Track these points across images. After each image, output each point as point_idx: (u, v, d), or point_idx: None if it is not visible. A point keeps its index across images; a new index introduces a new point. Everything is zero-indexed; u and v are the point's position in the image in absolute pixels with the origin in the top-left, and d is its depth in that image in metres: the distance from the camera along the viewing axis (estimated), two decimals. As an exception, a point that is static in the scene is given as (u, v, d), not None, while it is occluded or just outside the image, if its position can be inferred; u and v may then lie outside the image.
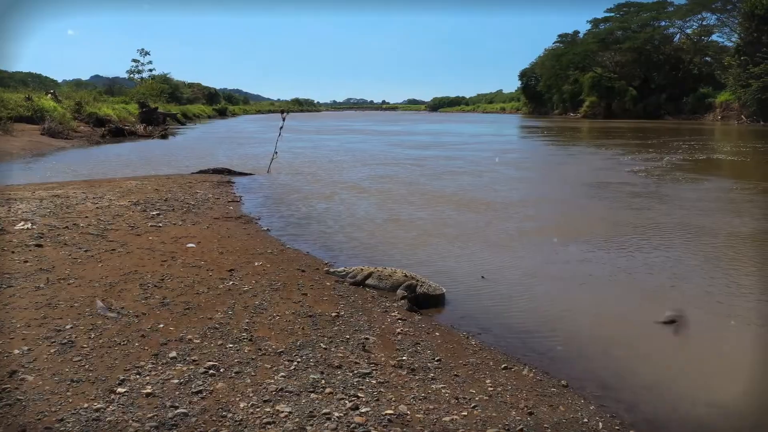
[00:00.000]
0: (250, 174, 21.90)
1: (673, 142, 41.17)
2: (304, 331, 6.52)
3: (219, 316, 6.80)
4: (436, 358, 6.05)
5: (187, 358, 5.62)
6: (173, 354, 5.69)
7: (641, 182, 20.99)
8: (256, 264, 9.32)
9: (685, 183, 21.08)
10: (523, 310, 7.99)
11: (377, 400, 5.02)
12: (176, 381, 5.15)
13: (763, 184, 20.89)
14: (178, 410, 4.68)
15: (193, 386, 5.07)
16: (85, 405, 4.69)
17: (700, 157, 31.00)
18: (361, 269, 9.06)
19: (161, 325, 6.42)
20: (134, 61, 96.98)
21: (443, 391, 5.29)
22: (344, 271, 9.15)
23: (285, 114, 24.56)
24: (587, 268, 10.00)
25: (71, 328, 6.22)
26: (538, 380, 5.78)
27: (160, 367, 5.41)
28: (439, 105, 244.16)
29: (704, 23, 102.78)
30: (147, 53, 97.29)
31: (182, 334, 6.22)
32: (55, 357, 5.52)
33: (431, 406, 4.97)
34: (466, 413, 4.90)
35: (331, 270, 9.29)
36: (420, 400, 5.08)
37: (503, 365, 6.05)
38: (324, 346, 6.13)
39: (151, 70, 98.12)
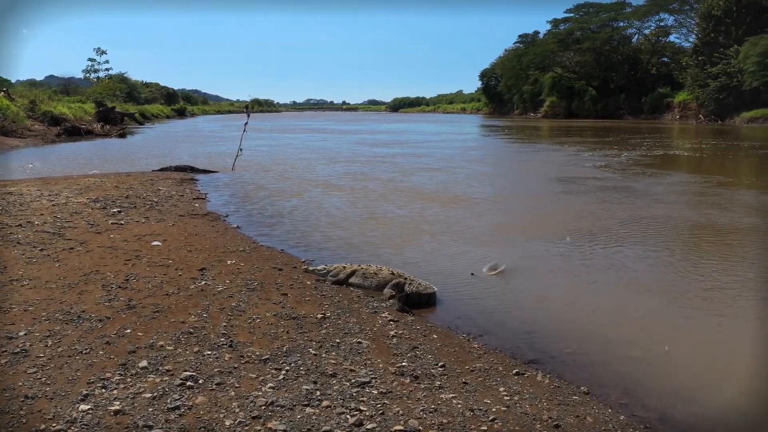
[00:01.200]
0: (214, 171, 21.06)
1: (634, 140, 41.18)
2: (289, 335, 5.86)
3: (193, 320, 6.10)
4: (439, 364, 5.42)
5: (160, 368, 4.91)
6: (143, 363, 4.97)
7: (611, 177, 20.75)
8: (229, 262, 8.61)
9: (652, 177, 20.99)
10: (521, 309, 7.42)
11: (382, 413, 4.38)
12: (149, 395, 4.45)
13: (719, 177, 21.16)
14: (153, 431, 3.99)
15: (168, 401, 4.38)
16: (42, 426, 3.98)
17: (662, 154, 31.17)
18: (344, 267, 8.40)
19: (128, 331, 5.69)
20: (90, 60, 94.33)
21: (454, 401, 4.66)
22: (325, 269, 8.49)
23: (249, 110, 23.71)
24: (579, 263, 9.49)
25: (25, 335, 5.48)
26: (556, 387, 5.18)
27: (129, 379, 4.70)
28: (400, 105, 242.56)
29: (662, 24, 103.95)
30: (104, 52, 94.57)
31: (152, 340, 5.50)
32: (6, 369, 4.78)
33: (445, 420, 4.34)
34: (485, 428, 4.28)
35: (310, 268, 8.62)
36: (430, 412, 4.44)
37: (515, 370, 5.44)
38: (314, 352, 5.47)
39: (107, 70, 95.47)
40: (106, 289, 6.90)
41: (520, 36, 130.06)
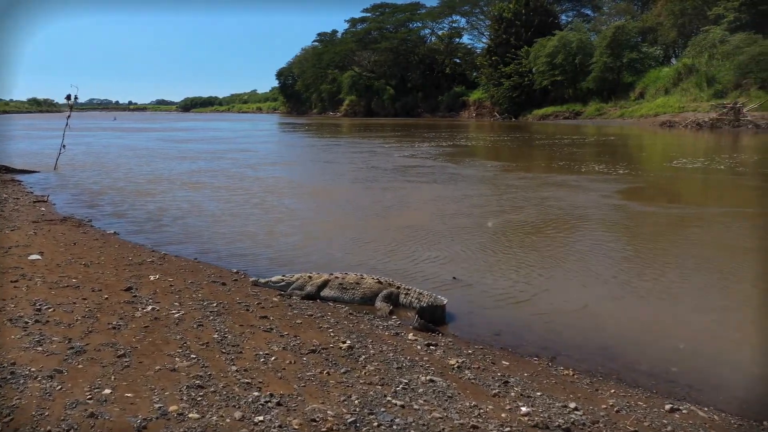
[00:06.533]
0: (35, 171, 17.96)
1: (437, 135, 41.69)
2: (337, 380, 4.18)
3: (184, 365, 4.21)
4: (570, 406, 3.99)
5: (215, 455, 3.09)
6: (183, 449, 3.12)
7: (438, 165, 21.19)
8: (152, 278, 6.62)
9: (477, 166, 21.56)
10: (549, 316, 6.15)
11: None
12: None
13: (513, 163, 22.76)
14: None
15: None
16: None
17: (472, 145, 32.55)
18: (309, 277, 6.69)
19: (106, 391, 3.73)
20: None
21: (663, 463, 3.27)
22: (282, 280, 6.72)
23: (73, 102, 20.57)
24: (548, 255, 8.40)
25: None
26: (731, 423, 3.95)
27: (182, 482, 2.85)
28: (192, 105, 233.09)
29: (455, 26, 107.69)
30: None
31: (157, 404, 3.60)
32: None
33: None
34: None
35: (261, 281, 6.80)
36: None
37: (667, 407, 4.12)
38: (397, 402, 3.85)
39: None
40: (19, 326, 4.74)
41: (318, 35, 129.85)
